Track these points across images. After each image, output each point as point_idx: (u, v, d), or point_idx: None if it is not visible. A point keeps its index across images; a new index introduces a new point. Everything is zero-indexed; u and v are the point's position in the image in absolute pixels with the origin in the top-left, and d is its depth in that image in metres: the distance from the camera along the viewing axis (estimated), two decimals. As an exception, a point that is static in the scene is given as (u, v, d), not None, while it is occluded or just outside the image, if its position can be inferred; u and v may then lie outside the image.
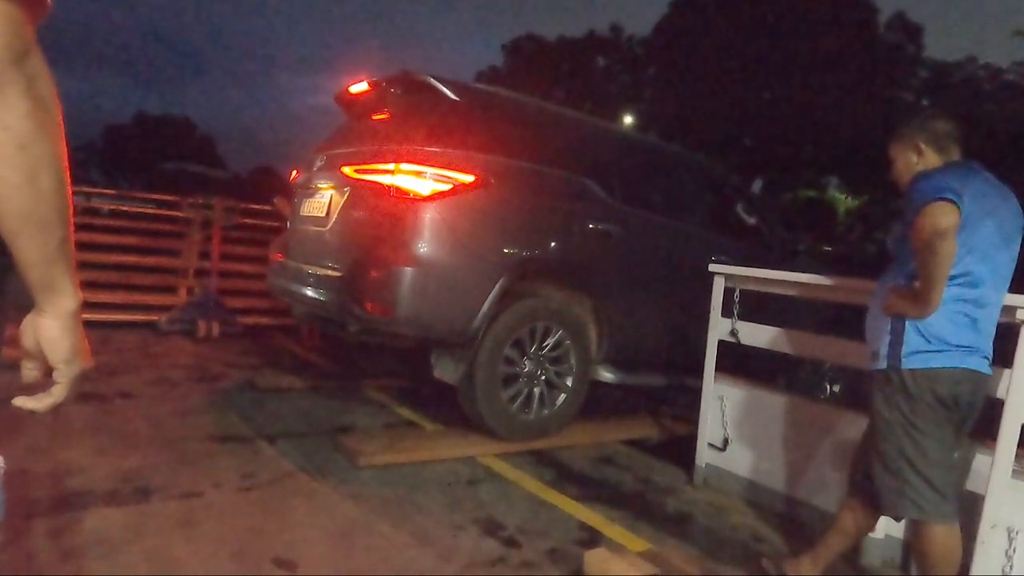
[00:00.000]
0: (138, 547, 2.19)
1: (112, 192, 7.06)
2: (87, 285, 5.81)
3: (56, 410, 0.87)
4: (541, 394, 3.72)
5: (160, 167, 20.18)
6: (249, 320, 6.29)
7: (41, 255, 0.77)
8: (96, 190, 7.35)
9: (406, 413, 4.16)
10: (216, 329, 5.83)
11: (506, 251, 3.45)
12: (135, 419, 3.46)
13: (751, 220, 5.26)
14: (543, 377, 3.73)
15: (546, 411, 3.74)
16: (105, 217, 6.46)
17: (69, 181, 0.79)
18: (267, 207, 6.57)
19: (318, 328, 4.40)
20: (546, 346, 3.71)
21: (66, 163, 0.77)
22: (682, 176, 4.63)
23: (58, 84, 0.75)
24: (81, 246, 5.85)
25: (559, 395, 3.79)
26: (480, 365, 3.46)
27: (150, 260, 6.22)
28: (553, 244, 3.64)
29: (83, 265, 5.85)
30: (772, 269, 3.36)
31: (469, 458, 3.42)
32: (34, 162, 0.71)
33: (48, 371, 0.85)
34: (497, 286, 3.38)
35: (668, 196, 4.45)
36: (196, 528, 2.36)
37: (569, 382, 3.79)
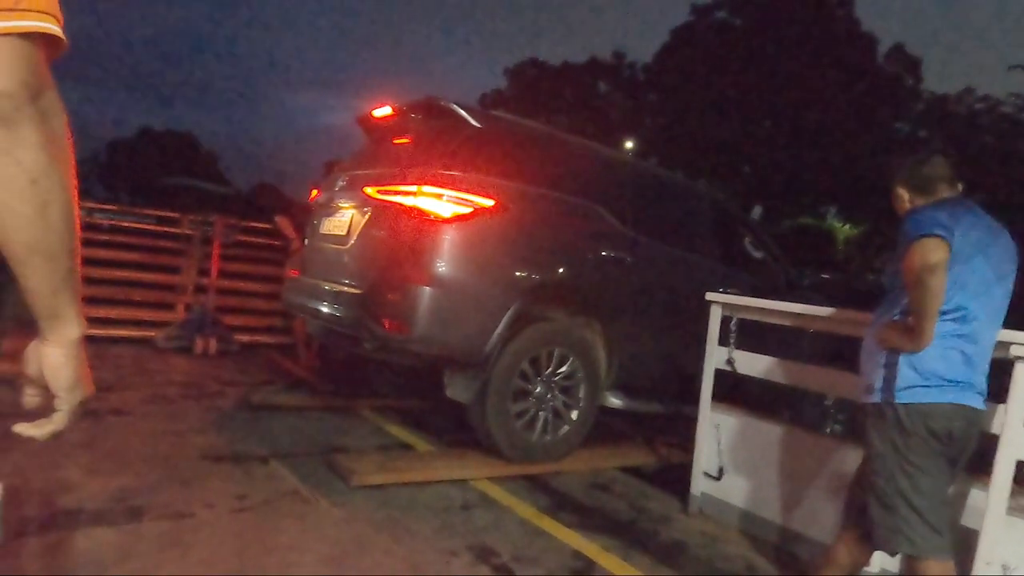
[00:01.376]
0: (127, 568, 2.17)
1: (113, 207, 7.09)
2: (85, 300, 5.80)
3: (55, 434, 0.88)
4: (552, 417, 3.76)
5: (161, 182, 20.25)
6: (246, 338, 6.29)
7: (47, 285, 0.78)
8: (98, 205, 7.38)
9: (401, 434, 4.14)
10: (213, 346, 5.82)
11: (522, 275, 3.52)
12: (129, 437, 3.45)
13: (758, 253, 5.33)
14: (554, 400, 3.77)
15: (556, 433, 3.78)
16: (105, 232, 6.47)
17: (78, 213, 0.80)
18: (268, 225, 6.60)
19: (333, 344, 4.44)
20: (557, 370, 3.76)
21: (75, 196, 0.79)
22: (692, 207, 4.75)
23: (64, 97, 0.77)
24: (81, 261, 5.86)
25: (569, 418, 3.83)
26: (493, 386, 3.51)
27: (149, 276, 6.23)
28: (567, 270, 3.71)
29: (82, 280, 5.84)
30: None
31: (463, 482, 3.40)
32: (45, 195, 0.73)
33: (50, 398, 0.86)
34: (512, 309, 3.45)
35: (678, 226, 4.55)
36: (187, 549, 2.34)
37: (579, 406, 3.84)
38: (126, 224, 6.49)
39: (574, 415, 3.83)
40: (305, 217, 6.04)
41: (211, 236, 6.18)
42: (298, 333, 5.93)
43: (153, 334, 5.83)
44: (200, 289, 6.24)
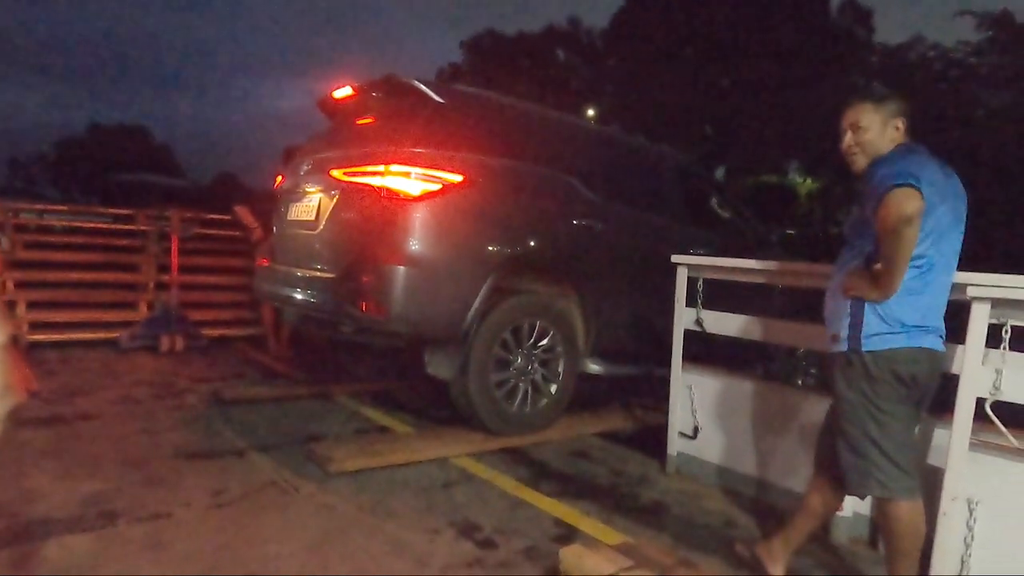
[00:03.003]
0: (104, 573, 2.13)
1: (64, 208, 6.86)
2: (43, 305, 5.67)
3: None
4: (533, 387, 3.81)
5: (115, 179, 19.73)
6: (214, 332, 6.19)
7: None
8: (48, 207, 7.14)
9: (377, 418, 4.13)
10: (180, 343, 5.72)
11: (495, 248, 3.52)
12: (98, 441, 3.38)
13: (726, 213, 5.39)
14: (535, 371, 3.81)
15: (538, 404, 3.84)
16: (59, 234, 6.26)
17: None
18: (227, 216, 6.47)
19: (310, 330, 4.41)
20: (536, 341, 3.79)
21: None
22: (659, 171, 4.76)
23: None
24: (35, 265, 5.71)
25: (550, 388, 3.88)
26: (473, 361, 3.53)
27: (107, 276, 6.07)
28: (539, 241, 3.72)
29: (38, 284, 5.70)
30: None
31: (443, 460, 3.41)
32: None
33: None
34: (487, 283, 3.47)
35: (646, 191, 4.56)
36: (165, 550, 2.31)
37: (560, 374, 3.89)
38: (79, 224, 6.29)
39: (556, 384, 3.89)
40: (265, 205, 5.94)
41: (168, 231, 6.03)
42: (267, 323, 5.86)
43: (117, 335, 5.71)
44: (161, 286, 6.10)
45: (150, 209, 6.29)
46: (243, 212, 5.94)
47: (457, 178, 3.42)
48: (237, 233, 6.45)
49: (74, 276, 5.88)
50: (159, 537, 2.39)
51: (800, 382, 4.99)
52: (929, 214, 2.01)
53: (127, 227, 6.22)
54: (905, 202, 1.91)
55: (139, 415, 3.87)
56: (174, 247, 5.99)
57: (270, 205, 5.84)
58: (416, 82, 3.69)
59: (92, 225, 6.32)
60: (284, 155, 5.32)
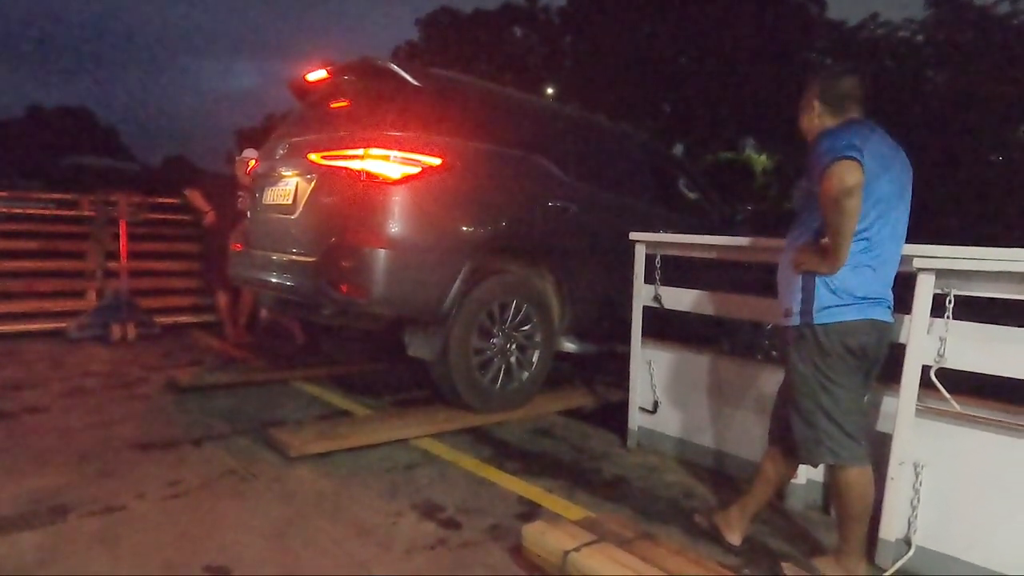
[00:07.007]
0: (55, 570, 2.08)
1: (4, 194, 6.54)
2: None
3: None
4: (512, 365, 3.86)
5: (59, 163, 18.98)
6: (167, 320, 6.03)
7: None
8: (-14, 193, 6.80)
9: (338, 402, 4.09)
10: (132, 332, 5.57)
11: (474, 230, 3.55)
12: (47, 435, 3.27)
13: (693, 193, 5.48)
14: (513, 349, 3.87)
15: (516, 381, 3.89)
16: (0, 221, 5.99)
17: None
18: (178, 200, 6.27)
19: (287, 314, 4.37)
20: (514, 320, 3.84)
21: None
22: (628, 153, 4.83)
23: None
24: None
25: (529, 364, 3.94)
26: (454, 341, 3.56)
27: (53, 264, 5.84)
28: (516, 222, 3.76)
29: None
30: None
31: (405, 442, 3.39)
32: None
33: None
34: (467, 264, 3.50)
35: (617, 172, 4.62)
36: (119, 543, 2.25)
37: (536, 354, 3.96)
38: (19, 211, 6.02)
39: (533, 361, 3.94)
40: (217, 188, 5.78)
41: (115, 216, 5.82)
42: (222, 309, 5.72)
43: (65, 325, 5.52)
44: (110, 273, 5.90)
45: (96, 193, 6.05)
46: (194, 195, 5.77)
47: (436, 161, 3.43)
48: (188, 217, 6.27)
49: (15, 265, 5.65)
50: (113, 531, 2.33)
51: (759, 357, 5.10)
52: (872, 185, 2.05)
53: (71, 213, 5.98)
54: (846, 174, 1.96)
55: (90, 407, 3.75)
56: (122, 232, 5.79)
57: (223, 187, 5.70)
58: (392, 65, 3.69)
59: (34, 212, 6.05)
60: (237, 137, 5.21)
